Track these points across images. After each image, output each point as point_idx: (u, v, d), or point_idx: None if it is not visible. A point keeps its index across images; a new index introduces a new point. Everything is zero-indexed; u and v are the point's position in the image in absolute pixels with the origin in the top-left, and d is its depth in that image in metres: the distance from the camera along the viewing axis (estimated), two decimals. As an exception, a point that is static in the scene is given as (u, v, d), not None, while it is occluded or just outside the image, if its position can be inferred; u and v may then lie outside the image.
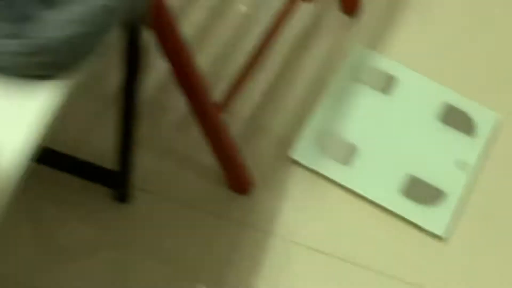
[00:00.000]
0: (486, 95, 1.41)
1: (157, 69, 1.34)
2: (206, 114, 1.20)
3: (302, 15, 1.43)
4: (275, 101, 1.39)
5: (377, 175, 1.32)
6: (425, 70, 1.42)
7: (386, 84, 1.39)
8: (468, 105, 1.38)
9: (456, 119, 1.37)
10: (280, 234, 1.28)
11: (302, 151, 1.33)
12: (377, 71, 1.40)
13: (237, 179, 1.30)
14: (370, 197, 1.31)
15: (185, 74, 1.15)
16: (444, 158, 1.34)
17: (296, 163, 1.33)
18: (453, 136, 1.36)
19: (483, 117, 1.38)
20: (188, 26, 1.40)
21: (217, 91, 1.27)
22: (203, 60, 1.34)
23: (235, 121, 1.34)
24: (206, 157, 1.28)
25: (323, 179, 1.32)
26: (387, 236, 1.29)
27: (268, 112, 1.38)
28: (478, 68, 1.44)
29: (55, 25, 0.75)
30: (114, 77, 1.20)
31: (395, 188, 1.31)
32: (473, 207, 1.32)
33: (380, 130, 1.36)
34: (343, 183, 1.31)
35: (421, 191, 1.31)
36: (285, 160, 1.34)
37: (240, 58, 1.35)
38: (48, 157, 1.24)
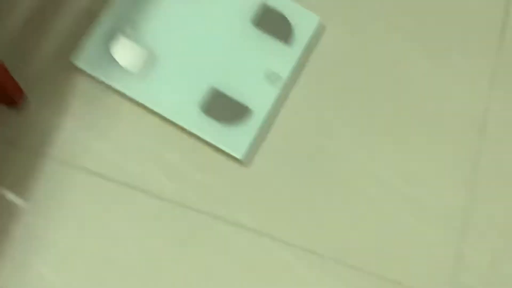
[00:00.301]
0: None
1: None
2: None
3: None
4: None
5: (175, 88, 1.13)
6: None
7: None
8: (289, 7, 1.18)
9: (273, 23, 1.17)
10: (56, 155, 1.09)
11: (87, 56, 1.12)
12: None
13: (1, 88, 1.09)
14: (165, 114, 1.12)
15: None
16: (254, 70, 1.15)
17: (80, 71, 1.13)
18: (267, 44, 1.16)
19: (304, 21, 1.18)
20: None
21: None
22: None
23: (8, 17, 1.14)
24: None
25: (112, 91, 1.13)
26: (184, 159, 1.12)
27: (50, 6, 1.17)
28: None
29: None
30: None
31: (195, 104, 1.13)
32: (279, 127, 1.15)
33: (183, 34, 1.16)
34: (135, 96, 1.12)
35: (223, 107, 1.13)
36: (66, 67, 1.13)
37: None
38: None
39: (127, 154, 1.10)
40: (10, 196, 1.07)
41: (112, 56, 1.12)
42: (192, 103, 1.13)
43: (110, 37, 1.13)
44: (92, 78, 1.12)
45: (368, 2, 1.21)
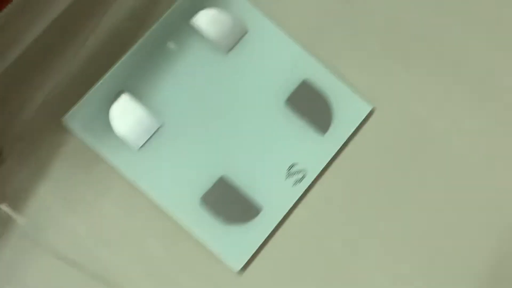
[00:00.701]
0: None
1: None
2: None
3: None
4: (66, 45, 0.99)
5: (177, 171, 0.94)
6: (287, 22, 1.02)
7: (228, 33, 0.98)
8: (336, 88, 0.97)
9: (311, 107, 0.96)
10: (23, 226, 0.90)
11: (81, 118, 0.94)
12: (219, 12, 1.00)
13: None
14: (158, 200, 0.93)
15: None
16: (276, 162, 0.95)
17: (70, 133, 0.94)
18: (299, 131, 0.95)
19: (350, 108, 0.97)
20: None
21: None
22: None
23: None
24: None
25: (103, 161, 0.95)
26: (171, 254, 0.92)
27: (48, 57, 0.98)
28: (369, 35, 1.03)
29: None
30: None
31: (197, 194, 0.93)
32: (289, 229, 0.94)
33: (197, 106, 0.96)
34: (128, 173, 0.93)
35: (229, 203, 0.93)
36: (56, 127, 0.95)
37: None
38: None
39: (106, 239, 0.92)
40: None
41: (109, 123, 0.94)
42: (194, 193, 0.93)
43: (109, 101, 0.94)
44: (83, 143, 0.95)
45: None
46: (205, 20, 0.97)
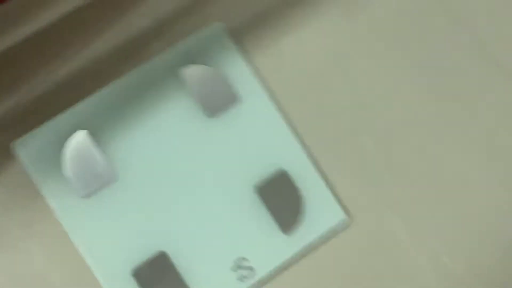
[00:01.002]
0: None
1: None
2: None
3: None
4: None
5: (115, 235, 0.84)
6: (285, 99, 0.93)
7: (216, 97, 0.87)
8: (313, 185, 0.87)
9: (281, 199, 0.86)
10: None
11: (31, 148, 0.85)
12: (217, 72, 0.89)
13: None
14: (88, 260, 0.84)
15: None
16: (224, 251, 0.85)
17: (16, 161, 0.86)
18: (259, 223, 0.86)
19: (323, 211, 0.87)
20: None
21: None
22: None
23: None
24: None
25: (42, 201, 0.86)
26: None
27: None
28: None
29: None
30: None
31: (129, 265, 0.84)
32: None
33: (156, 168, 0.86)
34: (63, 219, 0.84)
35: (163, 284, 0.83)
36: (2, 151, 0.86)
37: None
38: None
39: (20, 282, 0.85)
40: None
41: (60, 161, 0.86)
42: (127, 262, 0.84)
43: (67, 137, 0.85)
44: (27, 175, 0.87)
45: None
46: (195, 75, 0.87)
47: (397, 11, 0.94)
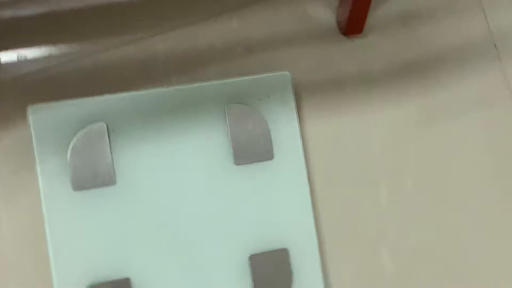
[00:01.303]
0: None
1: None
2: None
3: None
4: None
5: (93, 240, 0.77)
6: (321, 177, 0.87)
7: (251, 147, 0.82)
8: (312, 277, 0.80)
9: (271, 278, 0.79)
10: None
11: (46, 117, 0.77)
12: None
13: None
14: (52, 257, 0.76)
15: None
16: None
17: (26, 122, 0.79)
18: None
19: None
20: None
21: None
22: None
23: None
24: None
25: (34, 172, 0.80)
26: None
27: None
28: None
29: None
30: None
31: (91, 278, 0.77)
32: None
33: (169, 190, 0.79)
34: (44, 201, 0.76)
35: None
36: (18, 109, 0.80)
37: None
38: None
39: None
40: None
41: (67, 143, 0.77)
42: (90, 273, 0.77)
43: (83, 123, 0.77)
44: (29, 140, 0.79)
45: None
46: (239, 116, 0.80)
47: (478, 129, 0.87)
